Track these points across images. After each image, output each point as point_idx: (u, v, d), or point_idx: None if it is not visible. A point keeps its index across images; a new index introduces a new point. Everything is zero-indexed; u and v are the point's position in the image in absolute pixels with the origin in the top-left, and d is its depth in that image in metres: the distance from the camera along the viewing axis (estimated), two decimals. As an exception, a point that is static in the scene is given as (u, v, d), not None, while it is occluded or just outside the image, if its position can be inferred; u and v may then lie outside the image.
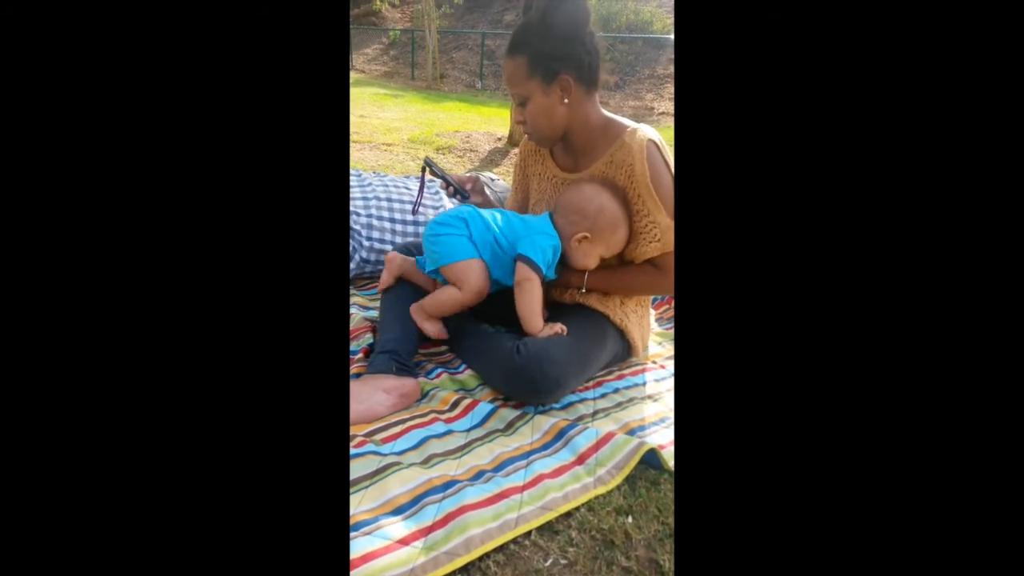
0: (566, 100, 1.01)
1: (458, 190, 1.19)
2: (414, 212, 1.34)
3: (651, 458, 0.88)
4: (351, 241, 1.54)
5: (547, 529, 0.76)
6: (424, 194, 1.29)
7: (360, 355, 1.12)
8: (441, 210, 1.71)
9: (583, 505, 0.80)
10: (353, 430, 0.92)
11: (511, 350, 0.96)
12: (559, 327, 1.02)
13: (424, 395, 1.04)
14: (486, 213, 1.07)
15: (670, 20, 9.36)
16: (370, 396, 0.95)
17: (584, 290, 1.09)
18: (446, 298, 1.05)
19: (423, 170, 1.19)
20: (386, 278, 1.14)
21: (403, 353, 1.05)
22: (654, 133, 1.06)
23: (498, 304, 1.11)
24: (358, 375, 1.04)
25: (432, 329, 1.08)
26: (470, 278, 1.02)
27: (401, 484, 0.79)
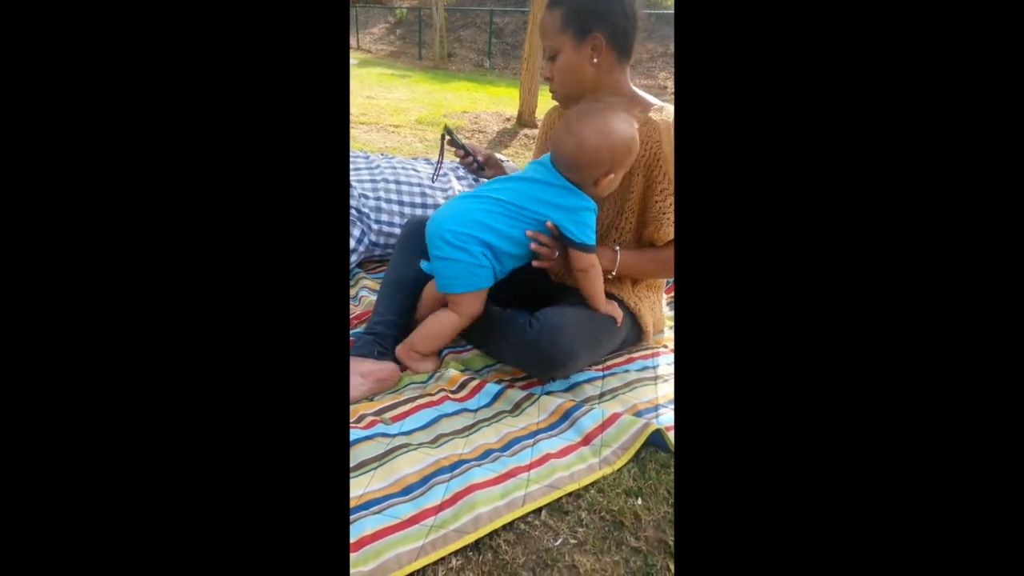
0: (595, 60, 0.98)
1: (474, 157, 1.19)
2: (433, 180, 1.34)
3: (657, 439, 0.88)
4: (360, 224, 1.54)
5: (557, 509, 0.77)
6: (442, 164, 1.29)
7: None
8: (451, 192, 1.70)
9: (593, 486, 0.80)
10: (363, 409, 0.92)
11: (523, 324, 0.97)
12: (616, 307, 1.05)
13: (431, 376, 1.05)
14: (495, 197, 0.99)
15: (683, -6, 9.08)
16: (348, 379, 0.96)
17: (613, 274, 1.04)
18: (440, 328, 1.02)
19: (442, 138, 1.19)
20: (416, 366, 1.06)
21: (388, 337, 1.05)
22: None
23: (506, 288, 1.11)
24: None
25: (428, 366, 1.05)
26: (471, 307, 1.01)
27: (410, 465, 0.80)
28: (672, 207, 1.01)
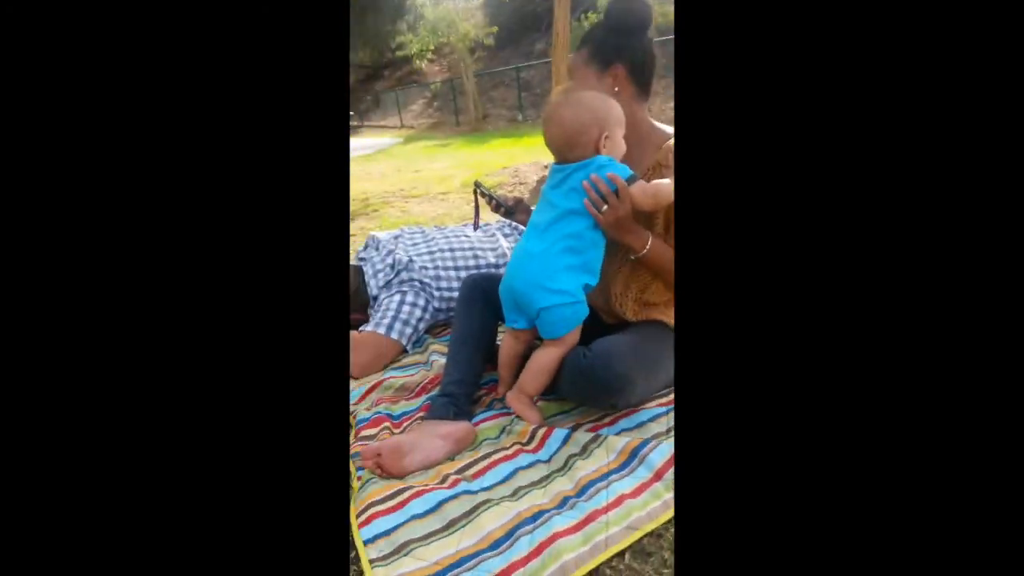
0: (616, 89, 1.07)
1: (501, 204, 1.31)
2: (475, 228, 1.52)
3: (734, 469, 0.87)
4: (423, 294, 1.68)
5: (640, 552, 0.78)
6: (479, 216, 1.46)
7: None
8: (499, 250, 1.81)
9: (671, 523, 0.81)
10: (445, 469, 0.99)
11: (578, 354, 1.02)
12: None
13: (502, 430, 1.11)
14: (545, 222, 1.04)
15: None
16: (429, 443, 1.03)
17: (644, 252, 1.03)
18: (544, 364, 1.04)
19: (475, 192, 1.34)
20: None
21: (461, 397, 1.13)
22: None
23: None
24: (421, 418, 1.15)
25: (535, 416, 1.07)
26: (574, 338, 1.05)
27: (495, 520, 0.85)
28: None
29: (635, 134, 1.10)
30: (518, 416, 1.10)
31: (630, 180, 0.98)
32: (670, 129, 1.11)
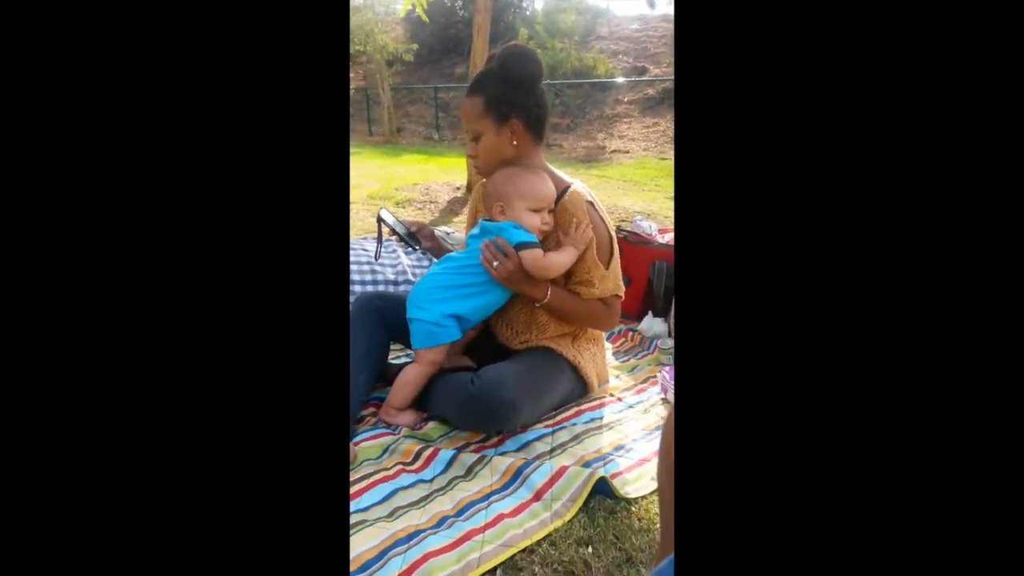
0: (515, 142, 1.13)
1: (403, 238, 1.29)
2: (376, 259, 1.47)
3: (603, 487, 0.93)
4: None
5: (511, 567, 0.80)
6: (382, 243, 1.42)
7: None
8: (399, 267, 1.79)
9: (545, 540, 0.84)
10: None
11: (466, 382, 1.05)
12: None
13: (385, 450, 1.08)
14: (454, 259, 1.18)
15: (612, 64, 9.97)
16: None
17: (545, 301, 1.12)
18: (405, 380, 1.13)
19: (378, 222, 1.32)
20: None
21: None
22: (587, 191, 1.17)
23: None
24: None
25: (408, 419, 1.14)
26: (428, 357, 1.13)
27: (366, 541, 0.82)
28: (584, 280, 1.13)
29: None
30: (386, 422, 1.14)
31: (524, 245, 1.07)
32: (565, 176, 1.19)
